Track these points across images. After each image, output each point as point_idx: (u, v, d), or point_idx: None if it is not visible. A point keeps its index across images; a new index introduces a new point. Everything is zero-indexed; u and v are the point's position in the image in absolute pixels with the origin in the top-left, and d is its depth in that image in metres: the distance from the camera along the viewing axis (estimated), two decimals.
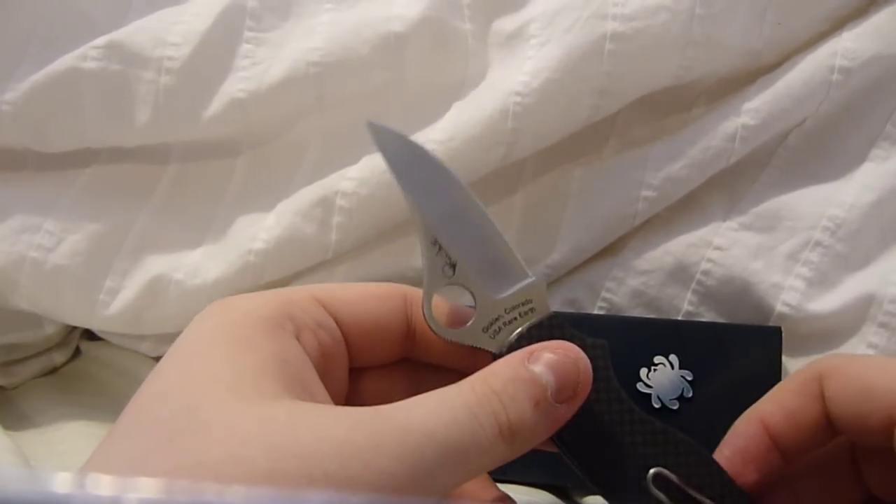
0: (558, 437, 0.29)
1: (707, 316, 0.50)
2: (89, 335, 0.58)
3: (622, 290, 0.51)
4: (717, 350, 0.47)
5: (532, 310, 0.30)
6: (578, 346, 0.29)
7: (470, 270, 0.30)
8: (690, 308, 0.50)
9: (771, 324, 0.48)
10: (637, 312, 0.51)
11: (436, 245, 0.30)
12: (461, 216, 0.31)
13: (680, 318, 0.50)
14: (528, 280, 0.31)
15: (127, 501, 0.18)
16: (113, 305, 0.51)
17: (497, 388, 0.26)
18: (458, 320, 0.31)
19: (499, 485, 0.45)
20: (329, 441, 0.23)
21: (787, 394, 0.30)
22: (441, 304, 0.31)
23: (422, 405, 0.25)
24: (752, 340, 0.47)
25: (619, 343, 0.46)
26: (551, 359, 0.28)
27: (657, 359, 0.46)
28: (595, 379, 0.29)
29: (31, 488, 0.17)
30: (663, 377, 0.46)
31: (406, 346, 0.31)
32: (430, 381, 0.29)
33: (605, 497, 0.30)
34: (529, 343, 0.29)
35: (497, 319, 0.30)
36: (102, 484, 0.18)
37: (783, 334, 0.47)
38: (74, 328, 0.57)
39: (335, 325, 0.30)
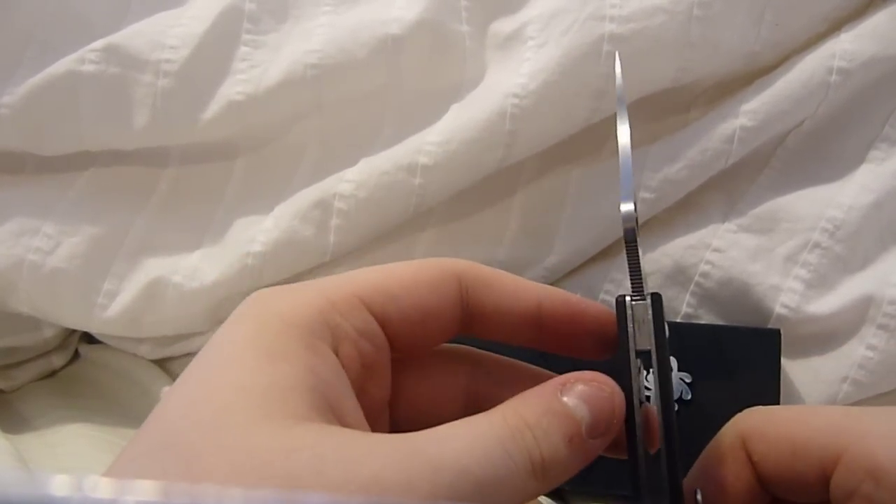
0: None
1: (706, 318, 0.50)
2: (88, 338, 0.58)
3: (620, 292, 0.51)
4: (716, 352, 0.47)
5: None
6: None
7: None
8: (689, 310, 0.50)
9: (770, 325, 0.48)
10: None
11: None
12: None
13: (678, 320, 0.50)
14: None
15: None
16: (111, 308, 0.51)
17: (531, 422, 0.25)
18: None
19: None
20: (357, 479, 0.22)
21: (715, 464, 0.29)
22: None
23: (454, 438, 0.24)
24: (751, 342, 0.47)
25: None
26: (585, 391, 0.26)
27: None
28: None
29: (28, 491, 0.17)
30: None
31: (461, 327, 0.29)
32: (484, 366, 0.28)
33: None
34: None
35: None
36: (100, 487, 0.18)
37: (782, 336, 0.47)
38: (73, 331, 0.57)
39: (379, 329, 0.28)
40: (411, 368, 0.30)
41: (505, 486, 0.24)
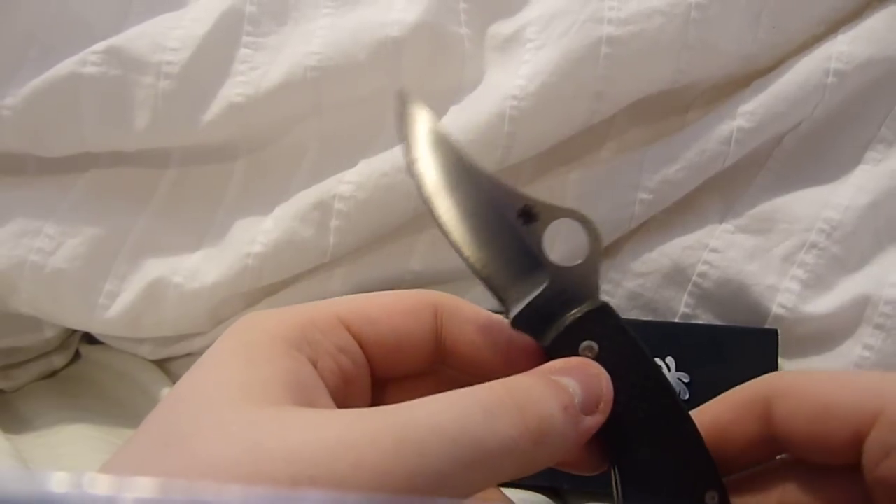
0: None
1: (703, 318, 0.50)
2: (89, 338, 0.58)
3: (619, 293, 0.51)
4: (714, 352, 0.47)
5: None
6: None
7: None
8: (687, 310, 0.50)
9: (767, 325, 0.48)
10: (634, 315, 0.51)
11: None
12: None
13: (676, 320, 0.50)
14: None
15: (123, 501, 0.18)
16: (112, 309, 0.51)
17: (522, 387, 0.25)
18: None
19: None
20: (319, 442, 0.22)
21: (725, 409, 0.29)
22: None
23: (429, 402, 0.24)
24: (749, 343, 0.47)
25: None
26: (574, 371, 0.27)
27: None
28: None
29: (28, 488, 0.18)
30: None
31: (434, 358, 0.30)
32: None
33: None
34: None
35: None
36: (99, 483, 0.18)
37: (779, 336, 0.47)
38: (74, 331, 0.57)
39: (357, 347, 0.29)
40: (394, 390, 0.31)
41: (493, 446, 0.24)
